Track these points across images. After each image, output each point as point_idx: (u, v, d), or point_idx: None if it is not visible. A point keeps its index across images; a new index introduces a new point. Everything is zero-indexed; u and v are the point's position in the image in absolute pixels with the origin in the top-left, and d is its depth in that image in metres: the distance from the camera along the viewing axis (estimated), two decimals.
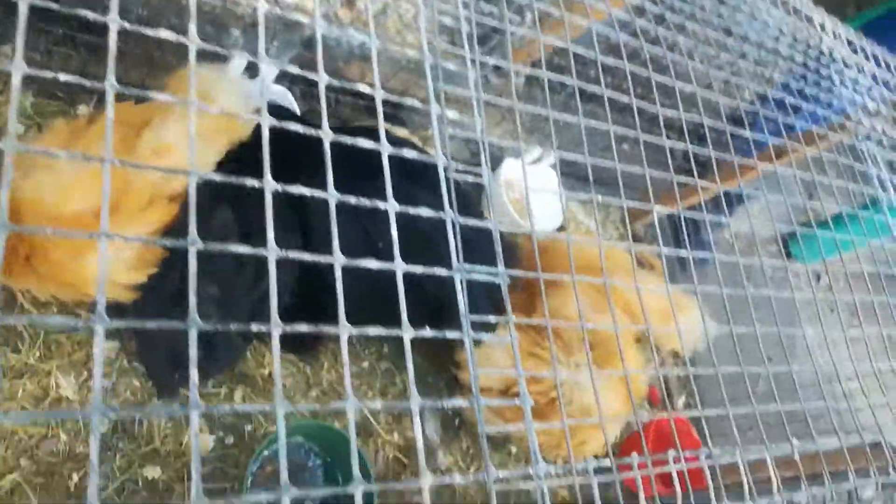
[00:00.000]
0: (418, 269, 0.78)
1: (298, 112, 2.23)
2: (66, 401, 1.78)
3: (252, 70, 1.91)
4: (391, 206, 0.76)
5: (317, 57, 0.74)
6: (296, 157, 1.44)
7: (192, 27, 0.62)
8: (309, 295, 1.88)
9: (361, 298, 1.67)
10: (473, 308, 0.84)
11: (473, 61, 0.94)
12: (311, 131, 0.70)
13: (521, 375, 0.83)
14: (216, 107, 0.67)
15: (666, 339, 2.48)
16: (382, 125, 0.78)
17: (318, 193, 0.71)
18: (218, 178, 0.64)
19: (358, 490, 0.67)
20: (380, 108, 0.78)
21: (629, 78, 1.27)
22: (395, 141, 1.92)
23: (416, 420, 0.73)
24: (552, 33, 1.27)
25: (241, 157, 1.72)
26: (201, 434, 1.94)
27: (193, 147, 0.62)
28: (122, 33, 0.58)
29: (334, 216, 0.71)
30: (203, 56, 0.67)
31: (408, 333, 0.76)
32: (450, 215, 0.81)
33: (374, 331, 0.74)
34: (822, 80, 1.68)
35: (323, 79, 0.71)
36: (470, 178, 0.88)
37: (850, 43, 1.82)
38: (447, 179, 0.84)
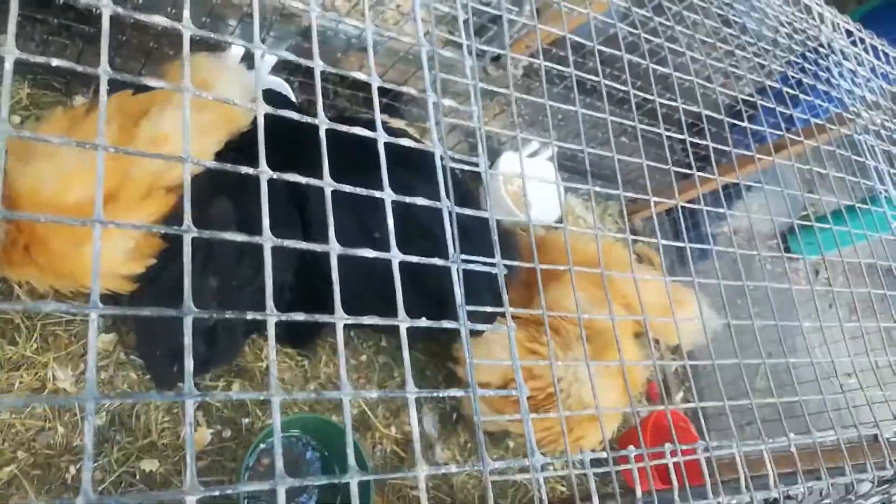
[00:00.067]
0: (414, 259, 0.78)
1: (296, 103, 2.22)
2: (63, 392, 1.77)
3: (250, 61, 1.90)
4: (387, 196, 0.75)
5: (312, 45, 0.74)
6: (295, 150, 1.44)
7: (186, 12, 0.61)
8: (308, 289, 1.87)
9: (363, 295, 1.67)
10: (474, 299, 0.84)
11: (471, 50, 0.93)
12: (305, 118, 0.70)
13: (517, 365, 0.82)
14: (211, 94, 0.67)
15: (665, 334, 2.48)
16: (378, 113, 0.77)
17: (313, 182, 0.71)
18: (212, 165, 0.63)
19: (354, 479, 0.67)
20: (375, 96, 0.77)
21: (627, 69, 1.26)
22: (391, 131, 1.91)
23: (413, 410, 0.72)
24: (551, 24, 1.26)
25: (241, 148, 1.72)
26: (199, 428, 1.94)
27: (188, 132, 0.62)
28: (119, 24, 0.58)
29: (330, 204, 0.71)
30: (200, 46, 0.66)
31: (404, 323, 0.76)
32: (446, 204, 0.80)
33: (369, 320, 0.74)
34: (820, 71, 1.67)
35: (318, 65, 0.70)
36: (466, 168, 0.88)
37: (849, 34, 1.81)
38: (444, 168, 0.84)
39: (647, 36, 1.35)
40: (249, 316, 0.65)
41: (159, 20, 0.62)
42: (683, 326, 2.04)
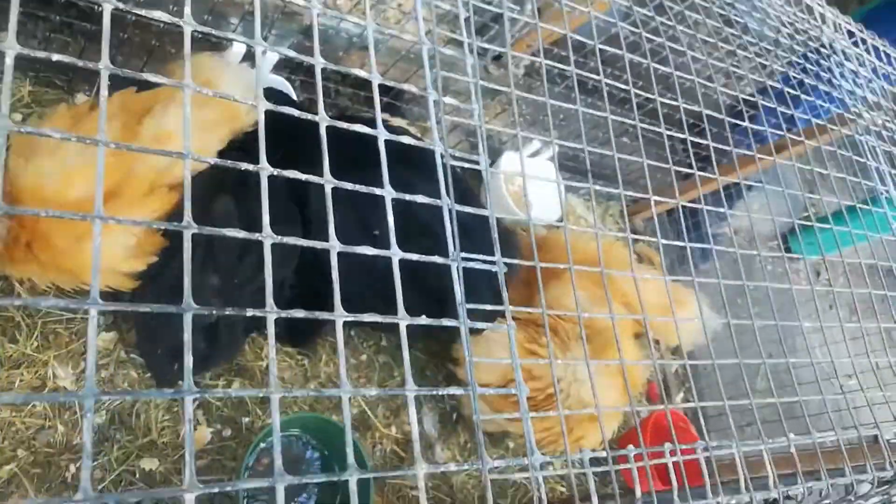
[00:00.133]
0: (414, 257, 0.78)
1: (297, 101, 2.23)
2: (64, 391, 1.77)
3: (251, 60, 1.91)
4: (387, 193, 0.75)
5: (314, 43, 0.74)
6: (296, 148, 1.44)
7: (187, 9, 0.61)
8: (309, 287, 1.87)
9: (363, 293, 1.67)
10: (474, 297, 0.84)
11: (472, 49, 0.93)
12: (306, 115, 0.70)
13: (516, 364, 0.82)
14: (212, 90, 0.67)
15: (665, 334, 2.48)
16: (378, 110, 0.77)
17: (313, 179, 0.71)
18: (212, 160, 0.63)
19: (353, 477, 0.67)
20: (376, 94, 0.77)
21: (628, 69, 1.26)
22: (392, 129, 1.91)
23: (412, 409, 0.72)
24: (552, 23, 1.26)
25: (244, 147, 1.72)
26: (199, 427, 1.94)
27: (189, 128, 0.62)
28: (121, 22, 0.58)
29: (330, 201, 0.70)
30: (202, 45, 0.66)
31: (404, 321, 0.75)
32: (446, 202, 0.80)
33: (369, 318, 0.74)
34: (822, 72, 1.67)
35: (319, 62, 0.70)
36: (467, 166, 0.88)
37: (851, 35, 1.81)
38: (444, 166, 0.84)
39: (648, 35, 1.35)
40: (249, 313, 0.65)
41: (161, 16, 0.62)
42: (683, 326, 2.05)
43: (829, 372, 1.38)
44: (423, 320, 0.76)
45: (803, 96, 1.63)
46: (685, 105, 1.36)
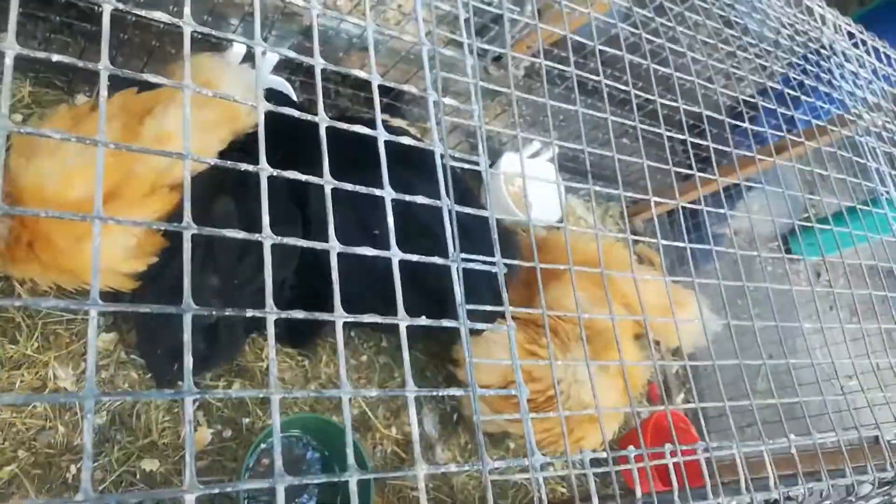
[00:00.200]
0: (413, 258, 0.78)
1: (297, 102, 2.23)
2: (64, 392, 1.77)
3: (251, 61, 1.91)
4: (387, 194, 0.75)
5: (313, 43, 0.74)
6: (296, 148, 1.44)
7: (187, 9, 0.61)
8: (309, 288, 1.87)
9: (364, 294, 1.67)
10: (475, 298, 0.84)
11: (472, 49, 0.93)
12: (306, 116, 0.70)
13: (516, 365, 0.82)
14: (212, 91, 0.67)
15: (665, 335, 2.48)
16: (378, 111, 0.77)
17: (313, 180, 0.71)
18: (212, 161, 0.63)
19: (353, 478, 0.67)
20: (376, 94, 0.77)
21: (628, 70, 1.26)
22: (392, 130, 1.91)
23: (412, 409, 0.72)
24: (552, 24, 1.26)
25: (245, 148, 1.72)
26: (199, 427, 1.94)
27: (188, 129, 0.62)
28: (121, 22, 0.58)
29: (330, 202, 0.70)
30: (202, 45, 0.66)
31: (404, 322, 0.75)
32: (446, 203, 0.80)
33: (369, 318, 0.74)
34: (822, 73, 1.67)
35: (319, 62, 0.70)
36: (467, 167, 0.88)
37: (851, 36, 1.81)
38: (444, 167, 0.84)
39: (648, 36, 1.35)
40: (249, 313, 0.65)
41: (160, 16, 0.62)
42: (684, 327, 2.05)
43: (829, 373, 1.38)
44: (423, 321, 0.76)
45: (803, 97, 1.63)
46: (685, 106, 1.36)
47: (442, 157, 0.85)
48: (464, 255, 0.84)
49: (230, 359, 2.00)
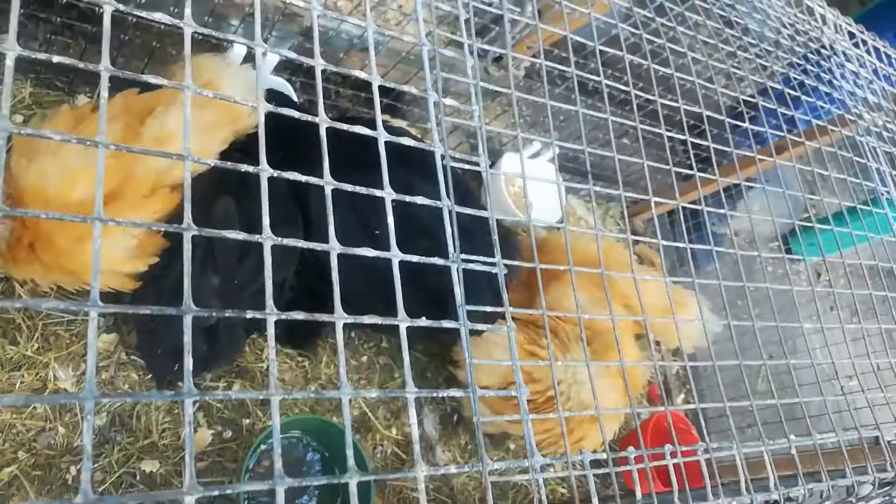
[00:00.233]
0: (414, 259, 0.78)
1: (298, 103, 2.23)
2: (64, 392, 1.77)
3: (252, 62, 1.90)
4: (387, 195, 0.75)
5: (314, 44, 0.74)
6: (297, 149, 1.44)
7: (188, 10, 0.61)
8: (309, 288, 1.87)
9: (365, 294, 1.67)
10: (475, 298, 0.84)
11: (472, 50, 0.93)
12: (306, 117, 0.70)
13: (516, 366, 0.82)
14: (213, 92, 0.67)
15: (666, 336, 2.48)
16: (378, 111, 0.77)
17: (313, 180, 0.71)
18: (212, 162, 0.63)
19: (353, 480, 0.67)
20: (376, 95, 0.77)
21: (629, 70, 1.26)
22: (392, 130, 1.91)
23: (412, 410, 0.72)
24: (552, 24, 1.26)
25: (246, 149, 1.72)
26: (200, 428, 1.94)
27: (188, 130, 0.62)
28: (122, 23, 0.58)
29: (330, 203, 0.70)
30: (203, 46, 0.66)
31: (403, 323, 0.75)
32: (446, 204, 0.80)
33: (369, 319, 0.74)
34: (822, 73, 1.67)
35: (319, 63, 0.70)
36: (467, 167, 0.88)
37: (851, 36, 1.81)
38: (444, 167, 0.84)
39: (648, 37, 1.35)
40: (249, 315, 0.65)
41: (161, 18, 0.62)
42: (684, 328, 2.05)
43: (829, 373, 1.38)
44: (423, 322, 0.76)
45: (804, 97, 1.63)
46: (685, 106, 1.36)
47: (442, 157, 0.85)
48: (464, 256, 0.84)
49: (230, 359, 2.00)
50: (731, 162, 1.56)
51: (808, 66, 1.69)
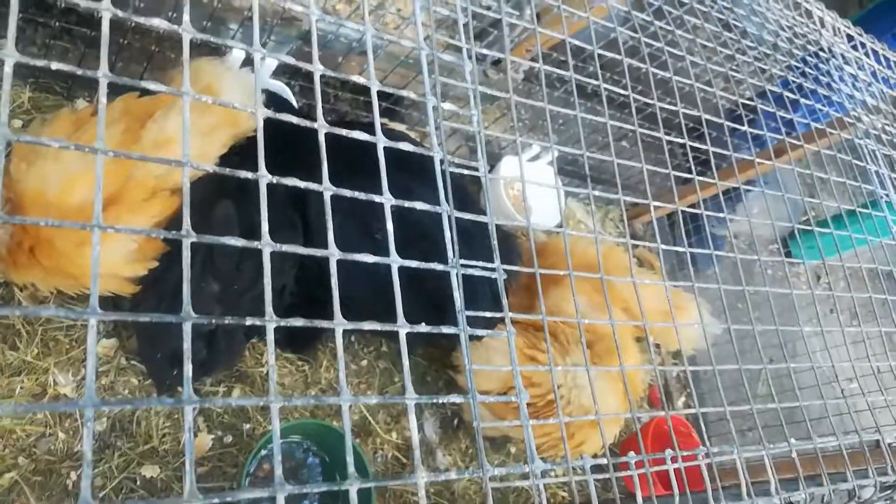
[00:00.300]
0: (413, 264, 0.77)
1: (296, 107, 2.23)
2: (64, 398, 1.77)
3: (252, 64, 1.90)
4: (386, 200, 0.75)
5: (312, 49, 0.74)
6: (296, 153, 1.44)
7: (186, 16, 0.61)
8: (309, 292, 1.87)
9: (366, 297, 1.67)
10: (476, 303, 0.84)
11: (471, 54, 0.93)
12: (305, 122, 0.70)
13: (517, 371, 0.82)
14: (211, 98, 0.67)
15: (666, 339, 2.48)
16: (377, 117, 0.77)
17: (312, 186, 0.71)
18: (211, 168, 0.63)
19: (353, 487, 0.67)
20: (375, 101, 0.77)
21: (627, 73, 1.26)
22: (392, 135, 1.92)
23: (412, 416, 0.72)
24: (551, 28, 1.26)
25: (245, 152, 1.72)
26: (200, 433, 1.94)
27: (187, 136, 0.62)
28: (121, 28, 0.58)
29: (329, 209, 0.70)
30: (202, 50, 0.66)
31: (403, 329, 0.75)
32: (445, 208, 0.80)
33: (369, 326, 0.73)
34: (821, 75, 1.67)
35: (318, 69, 0.70)
36: (466, 172, 0.88)
37: (850, 38, 1.81)
38: (443, 172, 0.84)
39: (647, 40, 1.35)
40: (249, 321, 0.65)
41: (159, 24, 0.62)
42: (684, 331, 2.05)
43: (830, 376, 1.38)
44: (423, 328, 0.76)
45: (802, 100, 1.63)
46: (684, 109, 1.36)
47: (441, 162, 0.85)
48: (463, 261, 0.84)
49: (230, 364, 1.99)
50: (730, 165, 1.56)
51: (807, 69, 1.69)
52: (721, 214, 1.37)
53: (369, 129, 0.81)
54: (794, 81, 1.66)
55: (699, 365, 2.44)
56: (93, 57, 1.99)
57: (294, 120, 0.70)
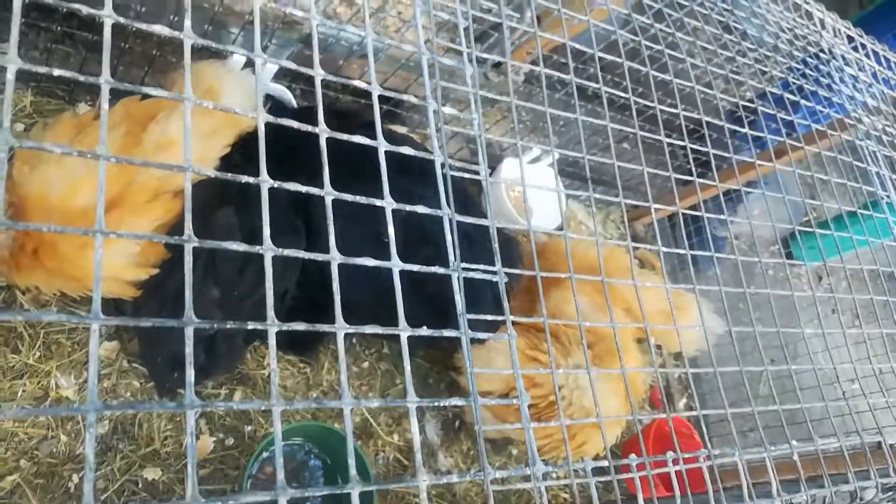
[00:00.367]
0: (414, 268, 0.78)
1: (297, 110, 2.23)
2: (67, 401, 1.77)
3: (254, 66, 1.90)
4: (387, 204, 0.75)
5: (313, 52, 0.74)
6: (298, 156, 1.44)
7: (188, 21, 0.61)
8: (310, 294, 1.87)
9: (368, 298, 1.67)
10: (479, 305, 0.84)
11: (471, 57, 0.94)
12: (305, 127, 0.70)
13: (518, 374, 0.82)
14: (212, 102, 0.67)
15: (667, 340, 2.48)
16: (378, 122, 0.77)
17: (314, 191, 0.71)
18: (212, 173, 0.63)
19: (355, 490, 0.67)
20: (376, 105, 0.77)
21: (628, 76, 1.26)
22: (393, 138, 1.91)
23: (414, 419, 0.72)
24: (551, 31, 1.27)
25: (247, 153, 1.72)
26: (201, 436, 1.94)
27: (189, 141, 0.62)
28: (122, 32, 0.58)
29: (330, 213, 0.71)
30: (203, 53, 0.66)
31: (404, 332, 0.75)
32: (447, 212, 0.80)
33: (370, 329, 0.74)
34: (821, 77, 1.68)
35: (318, 73, 0.71)
36: (467, 175, 0.88)
37: (850, 40, 1.81)
38: (444, 176, 0.84)
39: (647, 42, 1.35)
40: (250, 326, 0.65)
41: (160, 30, 0.62)
42: (685, 333, 2.05)
43: (831, 377, 1.38)
44: (424, 331, 0.76)
45: (803, 101, 1.63)
46: (685, 111, 1.36)
47: (442, 166, 0.85)
48: (465, 265, 0.84)
49: (231, 368, 2.00)
50: (730, 166, 1.56)
51: (807, 71, 1.69)
52: (722, 216, 1.37)
53: (370, 131, 0.81)
54: (794, 83, 1.66)
55: (700, 366, 2.44)
56: (94, 61, 1.99)
57: (295, 125, 0.70)
